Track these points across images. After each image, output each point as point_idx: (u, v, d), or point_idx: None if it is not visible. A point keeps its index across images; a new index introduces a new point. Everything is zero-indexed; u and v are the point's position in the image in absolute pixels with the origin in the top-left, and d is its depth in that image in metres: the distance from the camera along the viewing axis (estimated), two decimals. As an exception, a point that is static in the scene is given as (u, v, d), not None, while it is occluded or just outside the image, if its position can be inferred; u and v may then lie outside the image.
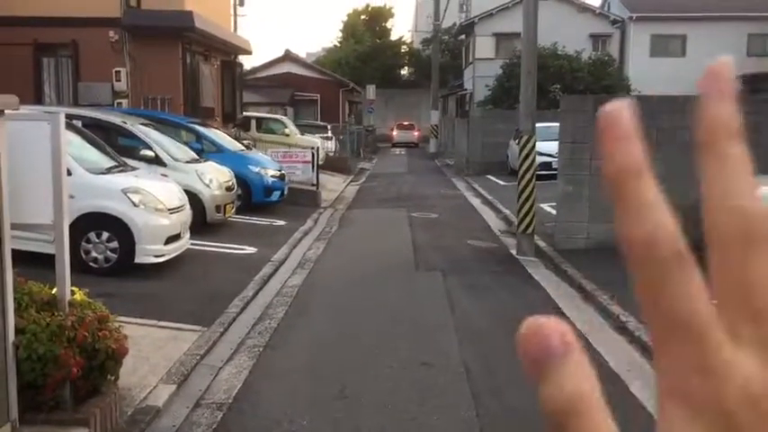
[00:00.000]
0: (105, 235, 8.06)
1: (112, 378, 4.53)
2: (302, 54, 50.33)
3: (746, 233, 0.33)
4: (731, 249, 0.33)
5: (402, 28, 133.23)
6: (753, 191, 0.33)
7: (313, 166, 16.72)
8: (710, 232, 0.34)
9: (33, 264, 5.33)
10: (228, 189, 11.70)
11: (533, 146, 10.59)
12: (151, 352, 5.77)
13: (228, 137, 15.12)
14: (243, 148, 14.88)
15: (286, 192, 14.67)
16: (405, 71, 59.13)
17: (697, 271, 0.33)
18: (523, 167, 10.66)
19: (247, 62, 33.64)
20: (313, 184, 16.54)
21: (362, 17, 56.66)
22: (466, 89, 39.11)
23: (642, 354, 6.12)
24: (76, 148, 8.19)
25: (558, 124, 11.07)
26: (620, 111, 0.35)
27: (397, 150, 41.76)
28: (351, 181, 22.12)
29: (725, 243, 0.33)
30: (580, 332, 6.91)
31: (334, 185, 19.73)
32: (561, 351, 0.32)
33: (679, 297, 0.32)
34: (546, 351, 0.32)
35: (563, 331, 0.33)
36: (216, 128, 15.27)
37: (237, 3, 24.60)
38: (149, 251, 8.14)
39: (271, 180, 14.04)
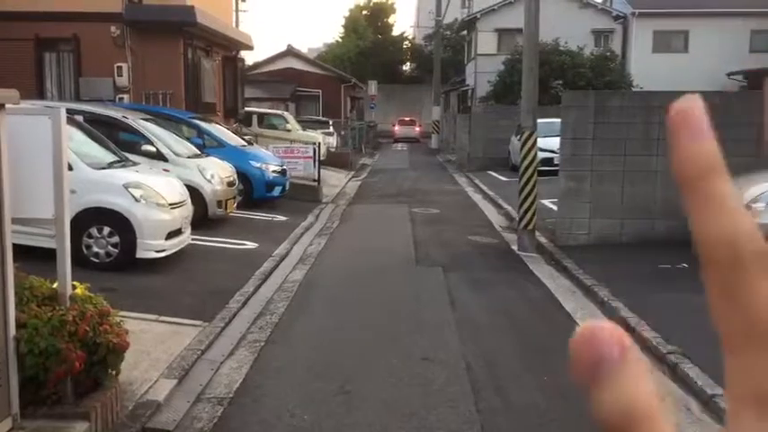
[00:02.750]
0: (106, 230, 8.06)
1: (113, 372, 4.54)
2: (304, 49, 50.33)
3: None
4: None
5: (404, 23, 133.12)
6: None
7: (314, 162, 16.72)
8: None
9: (34, 258, 5.34)
10: (230, 184, 11.70)
11: (535, 142, 10.58)
12: (152, 347, 5.78)
13: (230, 132, 15.11)
14: (244, 143, 14.88)
15: (287, 187, 14.66)
16: (406, 67, 59.09)
17: None
18: (525, 163, 10.65)
19: (249, 57, 33.66)
20: (314, 180, 16.54)
21: (364, 12, 56.58)
22: (468, 85, 39.04)
23: (643, 350, 6.12)
24: (78, 143, 8.19)
25: (559, 120, 11.06)
26: (691, 107, 0.34)
27: (399, 146, 41.73)
28: (352, 176, 22.11)
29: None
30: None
31: (335, 181, 19.73)
32: (618, 357, 0.31)
33: (759, 300, 0.31)
34: (602, 357, 0.31)
35: (620, 336, 0.32)
36: (217, 123, 15.26)
37: (239, -2, 24.57)
38: (150, 246, 8.14)
39: (272, 175, 14.03)
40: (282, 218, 12.98)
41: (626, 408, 0.31)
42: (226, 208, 11.44)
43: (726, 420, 0.32)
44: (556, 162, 12.18)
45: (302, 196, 15.34)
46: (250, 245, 10.30)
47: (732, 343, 0.32)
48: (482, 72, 33.69)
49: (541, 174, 11.07)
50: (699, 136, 0.33)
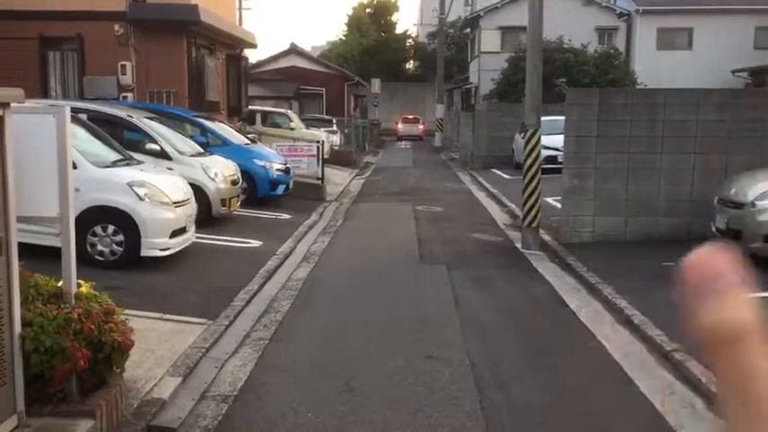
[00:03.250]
0: (111, 228, 8.08)
1: (118, 370, 4.55)
2: (307, 48, 50.37)
3: None
4: None
5: (407, 21, 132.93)
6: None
7: (318, 160, 16.73)
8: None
9: (39, 257, 5.36)
10: (234, 183, 11.72)
11: (539, 139, 10.57)
12: (157, 345, 5.79)
13: (233, 130, 15.13)
14: (248, 141, 14.89)
15: (291, 185, 14.67)
16: (410, 65, 59.05)
17: None
18: (529, 161, 10.64)
19: (252, 56, 33.67)
20: (318, 178, 16.54)
21: (368, 11, 56.55)
22: (471, 83, 39.01)
23: (646, 347, 6.12)
24: (82, 141, 8.21)
25: (563, 118, 11.05)
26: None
27: (402, 144, 41.71)
28: (356, 175, 22.12)
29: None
30: (584, 325, 6.92)
31: (339, 179, 19.73)
32: (730, 281, 0.33)
33: None
34: (716, 278, 0.33)
35: (731, 263, 0.34)
36: (221, 121, 15.28)
37: (242, -4, 24.57)
38: (155, 244, 8.15)
39: (276, 174, 14.05)
40: (286, 216, 12.99)
41: (734, 327, 0.34)
42: (230, 206, 11.45)
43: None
44: (560, 160, 12.17)
45: (306, 194, 15.35)
46: (254, 243, 10.32)
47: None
48: (485, 70, 33.65)
49: (545, 171, 11.06)
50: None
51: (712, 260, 0.33)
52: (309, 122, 26.26)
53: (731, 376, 0.32)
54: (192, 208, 9.01)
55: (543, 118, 11.01)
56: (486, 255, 10.45)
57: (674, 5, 32.71)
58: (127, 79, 14.98)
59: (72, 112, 5.07)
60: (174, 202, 8.46)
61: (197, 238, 9.23)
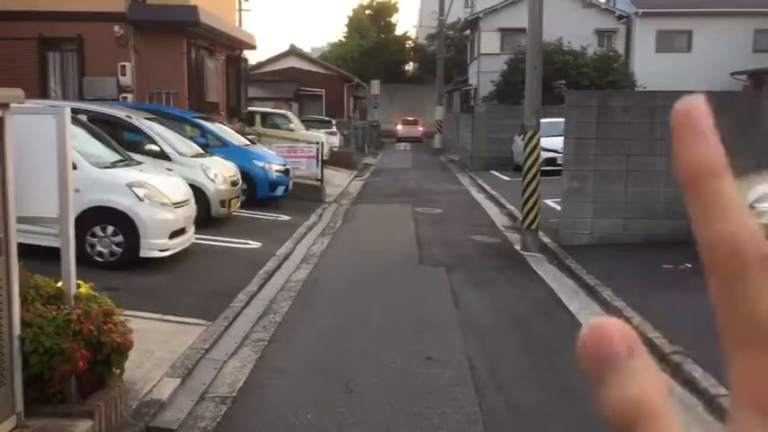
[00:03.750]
0: (110, 229, 8.08)
1: (117, 371, 4.55)
2: (307, 49, 50.44)
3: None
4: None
5: (407, 23, 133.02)
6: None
7: (317, 162, 16.72)
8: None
9: (39, 257, 5.35)
10: (233, 184, 11.72)
11: (538, 141, 10.58)
12: (156, 346, 5.79)
13: (233, 131, 15.13)
14: (247, 142, 14.89)
15: (290, 187, 14.67)
16: (409, 66, 59.06)
17: None
18: (528, 163, 10.64)
19: (252, 57, 33.68)
20: (317, 179, 16.54)
21: (367, 12, 56.55)
22: (470, 84, 39.03)
23: (645, 349, 6.11)
24: (82, 142, 8.20)
25: (562, 120, 11.05)
26: (695, 107, 0.34)
27: (402, 146, 41.72)
28: (355, 176, 22.12)
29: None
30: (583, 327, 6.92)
31: (338, 180, 19.73)
32: (625, 353, 0.31)
33: (761, 302, 0.31)
34: (609, 353, 0.31)
35: (627, 333, 0.32)
36: (220, 122, 15.27)
37: (242, -3, 24.58)
38: (154, 245, 8.15)
39: (275, 175, 14.04)
40: (286, 217, 12.99)
41: (633, 404, 0.31)
42: (229, 207, 11.45)
43: (728, 421, 0.32)
44: (559, 162, 12.18)
45: (305, 196, 15.35)
46: (253, 244, 10.31)
47: (734, 345, 0.32)
48: (485, 72, 33.66)
49: (545, 173, 11.07)
50: (702, 137, 0.33)
51: (605, 332, 0.32)
52: (309, 124, 26.26)
53: None
54: (191, 209, 9.01)
55: (543, 120, 11.02)
56: (486, 257, 10.45)
57: (674, 8, 32.75)
58: (126, 80, 14.97)
59: (72, 112, 5.08)
60: (174, 203, 8.46)
61: (196, 238, 9.23)
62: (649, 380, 0.32)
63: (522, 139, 11.29)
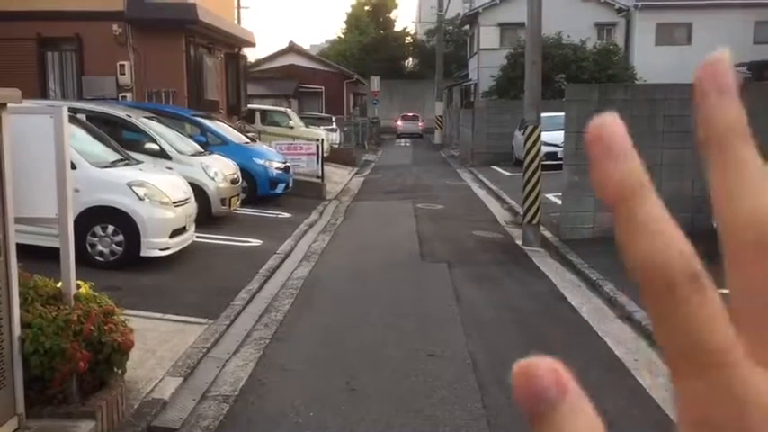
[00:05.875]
0: (110, 228, 8.06)
1: (119, 371, 4.54)
2: (306, 46, 50.27)
3: (760, 240, 0.31)
4: (745, 259, 0.31)
5: (406, 19, 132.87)
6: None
7: (318, 159, 16.71)
8: (723, 239, 0.32)
9: (38, 258, 5.34)
10: (233, 182, 11.70)
11: (538, 136, 10.55)
12: (157, 345, 5.78)
13: (233, 129, 15.11)
14: (247, 140, 14.87)
15: (291, 184, 14.66)
16: (409, 62, 58.99)
17: (714, 292, 0.31)
18: (529, 158, 10.62)
19: (251, 54, 33.57)
20: (318, 177, 16.52)
21: (366, 8, 56.46)
22: (470, 80, 38.97)
23: (649, 343, 6.10)
24: (81, 141, 8.19)
25: (563, 114, 11.03)
26: (610, 124, 0.32)
27: (402, 142, 41.71)
28: (356, 173, 22.10)
29: (738, 252, 0.31)
30: (585, 321, 6.91)
31: (339, 177, 19.72)
32: (555, 395, 0.30)
33: (696, 323, 0.30)
34: (539, 395, 0.30)
35: (556, 372, 0.30)
36: (220, 120, 15.25)
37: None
38: (155, 244, 8.14)
39: (275, 172, 14.03)
40: (286, 215, 12.97)
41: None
42: (229, 205, 11.44)
43: None
44: (560, 156, 12.15)
45: (306, 193, 15.33)
46: (254, 242, 10.30)
47: (675, 366, 0.31)
48: (485, 67, 33.60)
49: (545, 168, 11.04)
50: (619, 154, 0.32)
51: (536, 373, 0.30)
52: (309, 121, 26.22)
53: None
54: (191, 207, 9.00)
55: (543, 114, 10.99)
56: (487, 252, 10.43)
57: (673, 0, 32.68)
58: (125, 79, 14.96)
59: (71, 112, 5.06)
60: (174, 202, 8.44)
61: (197, 237, 9.21)
62: (581, 422, 0.30)
63: (523, 134, 11.27)
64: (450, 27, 46.38)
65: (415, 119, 46.77)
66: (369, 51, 51.46)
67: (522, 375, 0.30)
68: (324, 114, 31.84)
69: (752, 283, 0.31)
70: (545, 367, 0.30)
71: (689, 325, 0.30)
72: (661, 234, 0.31)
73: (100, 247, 8.07)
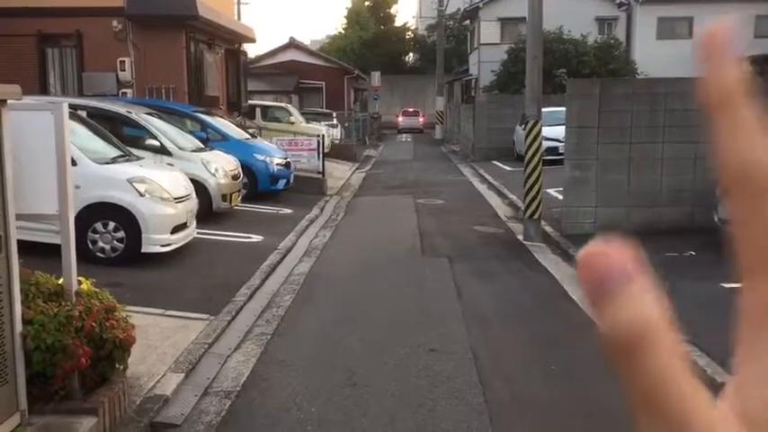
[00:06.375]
0: (111, 225, 8.06)
1: (121, 367, 4.54)
2: (307, 42, 50.27)
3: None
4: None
5: (406, 14, 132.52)
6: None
7: (318, 154, 16.69)
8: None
9: (40, 254, 5.34)
10: (234, 178, 11.69)
11: (540, 131, 10.53)
12: (159, 341, 5.78)
13: (233, 125, 15.10)
14: (248, 136, 14.86)
15: (292, 180, 14.65)
16: (410, 57, 58.93)
17: None
18: (530, 152, 10.61)
19: (251, 50, 33.56)
20: (319, 172, 16.51)
21: (367, 3, 56.34)
22: (471, 75, 38.92)
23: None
24: (81, 138, 8.19)
25: (564, 109, 11.01)
26: (720, 30, 0.33)
27: (403, 137, 41.67)
28: (357, 168, 22.08)
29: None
30: (587, 316, 6.90)
31: (339, 173, 19.70)
32: (624, 277, 0.31)
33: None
34: (607, 277, 0.30)
35: (624, 256, 0.31)
36: (221, 116, 15.24)
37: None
38: (156, 240, 8.14)
39: (276, 168, 14.02)
40: (287, 210, 12.97)
41: (633, 329, 0.30)
42: (230, 201, 11.44)
43: (738, 355, 0.32)
44: (561, 151, 12.14)
45: (307, 189, 15.33)
46: (255, 238, 10.30)
47: (749, 268, 0.32)
48: (485, 62, 33.56)
49: (546, 163, 11.03)
50: (724, 61, 0.33)
51: (603, 255, 0.30)
52: (309, 116, 26.20)
53: (639, 386, 0.30)
54: (192, 203, 9.00)
55: (544, 109, 10.97)
56: (489, 247, 10.43)
57: (674, -6, 32.58)
58: (126, 75, 14.94)
59: (71, 108, 5.05)
60: (175, 198, 8.44)
61: (198, 233, 9.21)
62: (647, 303, 0.31)
63: (524, 129, 11.25)
64: (451, 22, 46.30)
65: (415, 114, 46.75)
66: (369, 47, 51.39)
67: (588, 257, 0.31)
68: (324, 110, 31.82)
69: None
70: (613, 251, 0.31)
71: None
72: (752, 139, 0.32)
73: (101, 244, 8.07)
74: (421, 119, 46.22)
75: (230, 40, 19.11)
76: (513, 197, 13.89)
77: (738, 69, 0.33)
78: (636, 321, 0.30)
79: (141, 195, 8.10)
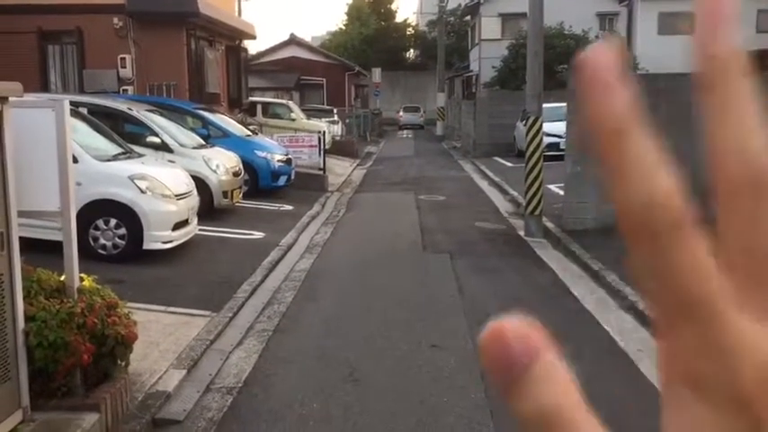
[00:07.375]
0: (113, 222, 8.07)
1: (122, 364, 4.55)
2: (307, 38, 50.21)
3: (755, 182, 0.28)
4: (739, 202, 0.29)
5: (407, 10, 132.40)
6: (761, 134, 0.29)
7: (320, 151, 16.69)
8: (716, 182, 0.30)
9: (41, 251, 5.35)
10: (235, 174, 11.70)
11: (540, 127, 10.53)
12: (161, 337, 5.79)
13: (234, 122, 15.10)
14: (249, 133, 14.86)
15: (293, 176, 14.65)
16: (410, 53, 58.86)
17: (702, 239, 0.28)
18: (531, 148, 10.60)
19: (252, 47, 33.55)
20: (320, 169, 16.52)
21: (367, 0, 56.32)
22: (472, 71, 38.90)
23: (652, 333, 6.10)
24: (83, 135, 8.19)
25: (565, 104, 11.00)
26: (602, 56, 0.29)
27: (404, 133, 41.66)
28: (358, 165, 22.09)
29: (732, 194, 0.29)
30: (588, 312, 6.91)
31: (341, 169, 19.70)
32: (526, 360, 0.27)
33: (682, 271, 0.28)
34: (509, 361, 0.27)
35: (526, 335, 0.28)
36: (222, 113, 15.25)
37: (241, -13, 24.42)
38: (157, 237, 8.15)
39: (277, 165, 14.02)
40: (288, 207, 12.97)
41: (541, 417, 0.28)
42: (232, 198, 11.44)
43: (662, 407, 0.29)
44: (562, 147, 12.13)
45: (308, 185, 15.33)
46: (257, 234, 10.31)
47: (660, 318, 0.29)
48: (486, 58, 33.54)
49: (547, 159, 11.03)
50: (609, 89, 0.29)
51: (503, 339, 0.28)
52: (310, 113, 26.18)
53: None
54: (194, 200, 9.00)
55: (545, 105, 10.96)
56: (490, 243, 10.43)
57: (676, -10, 32.51)
58: (127, 72, 14.95)
59: (72, 105, 5.06)
60: (176, 195, 8.45)
61: (199, 230, 9.22)
62: (556, 388, 0.28)
63: (525, 125, 11.24)
64: (452, 18, 46.23)
65: (416, 110, 46.76)
66: (370, 43, 51.35)
67: (489, 340, 0.28)
68: (325, 106, 31.80)
69: (741, 223, 0.29)
70: (514, 329, 0.28)
71: (675, 274, 0.28)
72: (647, 176, 0.28)
73: (103, 241, 8.08)
74: (422, 115, 46.33)
75: (231, 37, 19.10)
76: (515, 193, 13.89)
77: (624, 97, 0.29)
78: (542, 411, 0.28)
79: (143, 192, 8.11)
